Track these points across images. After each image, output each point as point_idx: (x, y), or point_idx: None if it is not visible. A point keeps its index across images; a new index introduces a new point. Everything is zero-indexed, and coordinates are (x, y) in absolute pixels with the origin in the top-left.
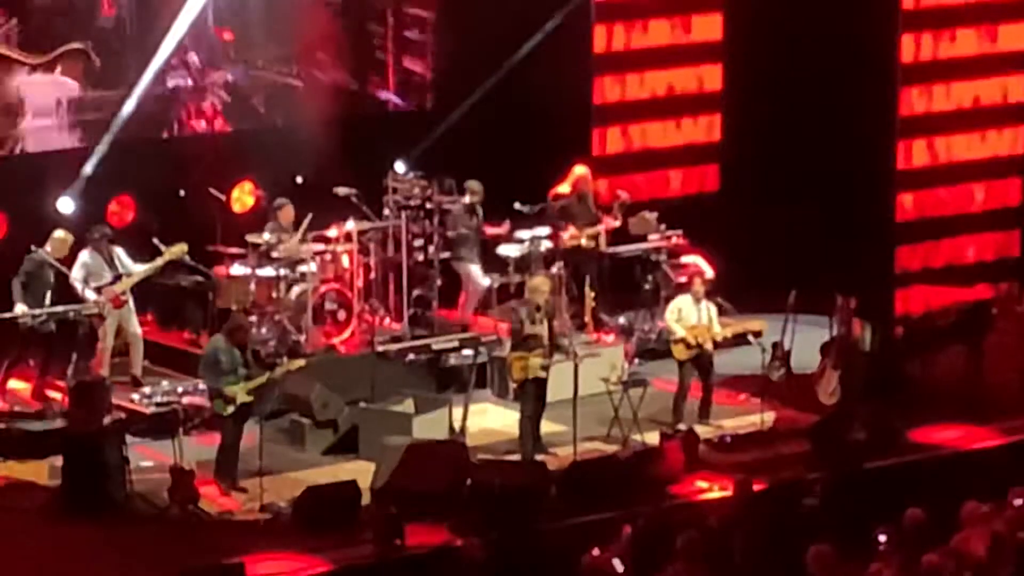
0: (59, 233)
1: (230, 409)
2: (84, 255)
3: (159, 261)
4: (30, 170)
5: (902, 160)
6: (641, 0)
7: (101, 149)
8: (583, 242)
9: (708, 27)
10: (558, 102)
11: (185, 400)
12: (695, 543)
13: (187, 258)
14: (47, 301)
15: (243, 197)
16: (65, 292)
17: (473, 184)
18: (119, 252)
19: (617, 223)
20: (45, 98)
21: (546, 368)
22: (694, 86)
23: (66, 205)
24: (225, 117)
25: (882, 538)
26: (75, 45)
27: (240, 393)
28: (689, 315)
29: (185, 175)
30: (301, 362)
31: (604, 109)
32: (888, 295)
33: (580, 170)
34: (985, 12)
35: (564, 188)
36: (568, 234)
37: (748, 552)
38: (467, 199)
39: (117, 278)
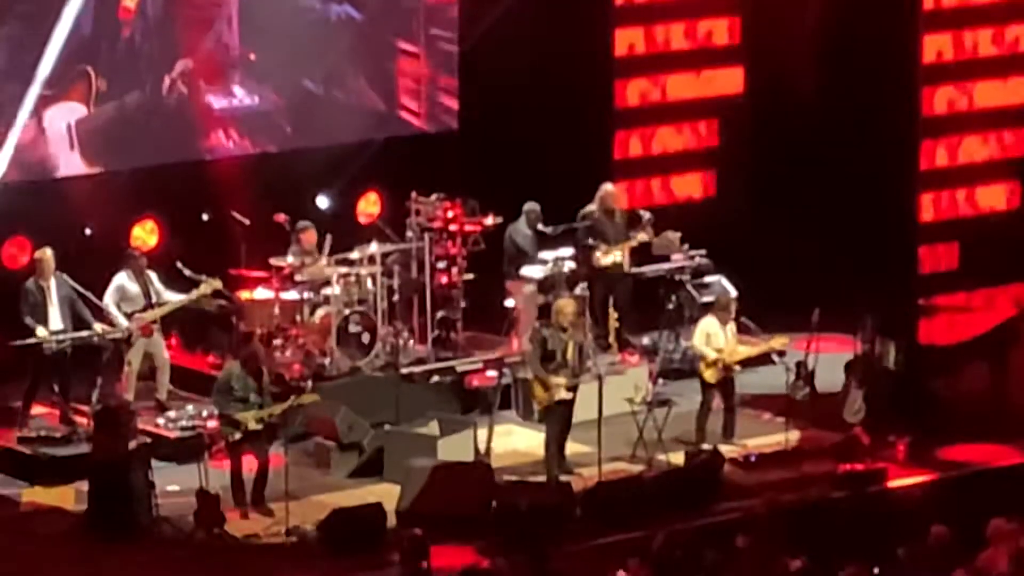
0: (41, 252)
1: (237, 435)
2: (120, 278)
3: (194, 294)
4: (53, 195)
5: (924, 161)
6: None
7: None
8: (617, 259)
9: (725, 31)
10: (581, 117)
11: (210, 424)
12: (720, 563)
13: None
14: (57, 322)
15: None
16: (83, 309)
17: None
18: (153, 278)
19: (647, 238)
20: (58, 124)
21: (571, 390)
22: (716, 91)
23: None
24: (251, 139)
25: (903, 555)
26: (79, 68)
27: (250, 420)
28: (717, 337)
29: (209, 198)
30: (315, 397)
31: (626, 117)
32: (912, 307)
33: (607, 187)
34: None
35: (592, 207)
36: (601, 252)
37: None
38: (526, 223)
39: (149, 305)
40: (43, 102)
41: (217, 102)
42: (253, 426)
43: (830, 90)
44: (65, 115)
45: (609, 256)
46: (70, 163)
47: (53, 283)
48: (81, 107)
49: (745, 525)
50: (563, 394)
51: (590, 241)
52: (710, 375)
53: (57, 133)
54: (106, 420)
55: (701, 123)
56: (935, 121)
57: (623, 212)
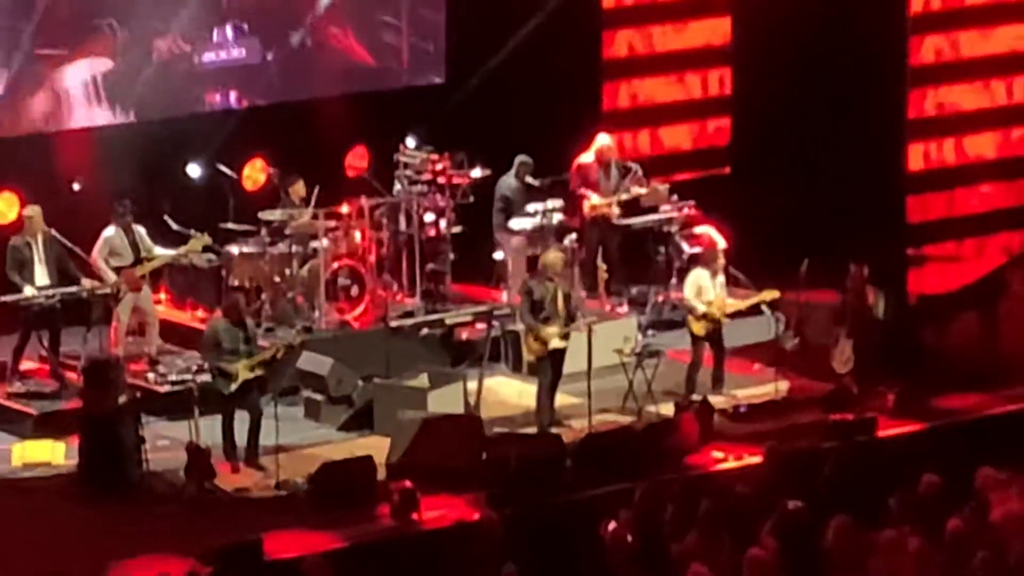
0: (29, 209)
1: (233, 387)
2: (109, 231)
3: (183, 249)
4: (42, 150)
5: (912, 111)
6: None
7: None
8: (613, 209)
9: None
10: (568, 68)
11: (200, 378)
12: (715, 513)
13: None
14: (43, 278)
15: (254, 174)
16: (70, 265)
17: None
18: (142, 232)
19: (644, 190)
20: (77, 80)
21: (564, 337)
22: (703, 42)
23: (194, 170)
24: (238, 93)
25: (893, 504)
26: (97, 21)
27: (242, 370)
28: (707, 290)
29: (196, 153)
30: (296, 338)
31: (615, 68)
32: (901, 256)
33: (604, 139)
34: None
35: (587, 157)
36: (590, 203)
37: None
38: (514, 175)
39: (138, 260)
40: (56, 60)
41: (205, 55)
42: (245, 375)
43: (817, 41)
44: (86, 70)
45: (600, 208)
46: (92, 117)
47: (40, 240)
48: (107, 60)
49: (743, 474)
50: (557, 343)
51: (581, 190)
52: (699, 328)
53: (77, 89)
54: (96, 375)
55: (689, 74)
56: (923, 70)
57: (619, 164)
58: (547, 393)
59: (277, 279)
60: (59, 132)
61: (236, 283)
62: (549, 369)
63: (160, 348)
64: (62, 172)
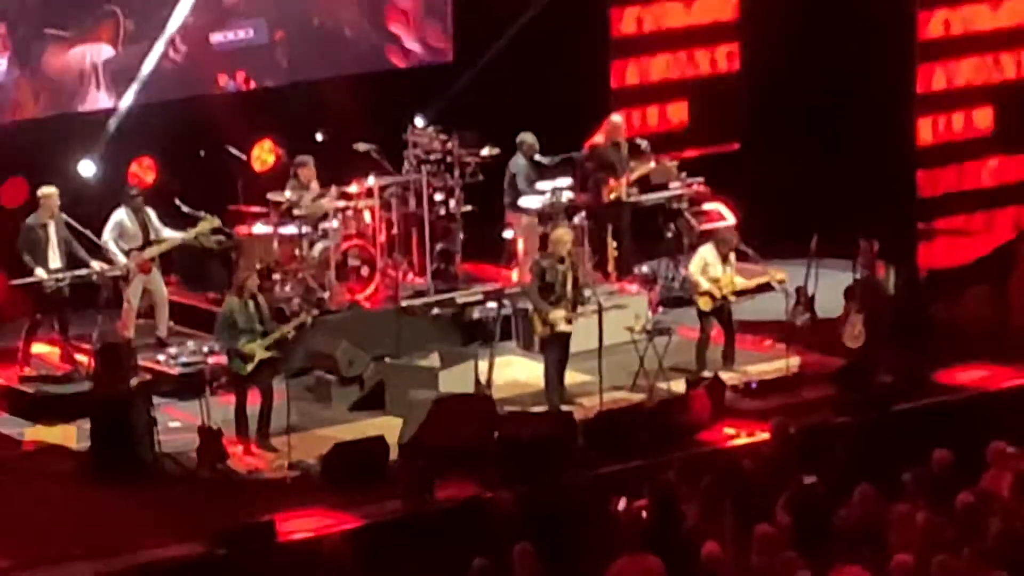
0: (45, 190)
1: (249, 368)
2: (120, 214)
3: (192, 232)
4: (53, 134)
5: (921, 85)
6: None
7: (123, 108)
8: (623, 192)
9: None
10: (576, 46)
11: (211, 360)
12: (717, 489)
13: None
14: (55, 261)
15: (263, 156)
16: (78, 248)
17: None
18: (152, 215)
19: (652, 165)
20: (80, 65)
21: (570, 321)
22: (710, 17)
23: (87, 168)
24: (246, 74)
25: (908, 479)
26: (105, 8)
27: (258, 350)
28: (713, 267)
29: (205, 135)
30: (308, 316)
31: (623, 46)
32: (911, 231)
33: (615, 119)
34: None
35: (599, 139)
36: (610, 185)
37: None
38: (523, 154)
39: (148, 243)
40: (65, 44)
41: (213, 36)
42: (262, 355)
43: (824, 15)
44: (92, 55)
45: (619, 188)
46: (94, 101)
47: (54, 222)
48: (109, 48)
49: (754, 450)
50: (562, 326)
51: (600, 175)
52: (704, 303)
53: (82, 73)
54: (107, 358)
55: (697, 51)
56: (931, 44)
57: (625, 143)
58: (555, 372)
59: (287, 260)
60: (66, 115)
61: (246, 265)
62: (556, 349)
63: (170, 330)
64: (69, 156)
